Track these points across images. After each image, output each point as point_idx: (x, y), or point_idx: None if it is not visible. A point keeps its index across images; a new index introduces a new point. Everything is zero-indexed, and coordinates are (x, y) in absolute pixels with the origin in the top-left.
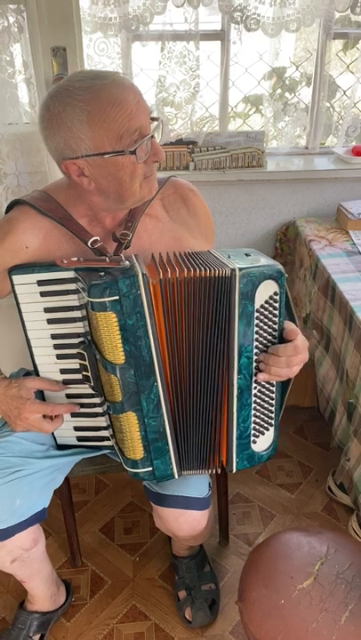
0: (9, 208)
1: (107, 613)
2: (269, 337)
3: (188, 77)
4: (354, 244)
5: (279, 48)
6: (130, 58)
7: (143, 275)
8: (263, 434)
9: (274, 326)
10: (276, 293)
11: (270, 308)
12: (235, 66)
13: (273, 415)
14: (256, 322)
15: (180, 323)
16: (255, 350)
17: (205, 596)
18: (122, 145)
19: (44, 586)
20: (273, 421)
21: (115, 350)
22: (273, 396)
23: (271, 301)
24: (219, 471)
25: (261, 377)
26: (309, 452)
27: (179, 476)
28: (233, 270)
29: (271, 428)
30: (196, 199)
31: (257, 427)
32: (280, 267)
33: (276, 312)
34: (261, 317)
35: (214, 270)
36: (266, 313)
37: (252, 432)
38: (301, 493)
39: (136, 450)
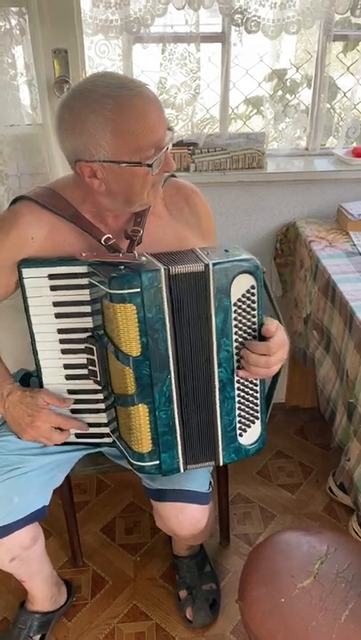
0: (12, 204)
1: (108, 613)
2: (249, 330)
3: (188, 79)
4: (354, 244)
5: (280, 50)
6: (131, 60)
7: (165, 269)
8: (250, 427)
9: (253, 319)
10: (253, 287)
11: (248, 302)
12: (235, 67)
13: (258, 408)
14: (234, 315)
15: (182, 317)
16: (235, 344)
17: (206, 595)
18: (139, 157)
19: (43, 586)
20: (259, 415)
21: (131, 342)
22: (257, 389)
23: (249, 295)
24: (212, 464)
25: (241, 374)
26: (310, 452)
27: (184, 469)
28: (207, 265)
29: (258, 422)
30: (199, 200)
31: (243, 420)
32: (256, 261)
33: (255, 305)
34: (239, 311)
35: (189, 267)
36: (244, 307)
37: (238, 425)
38: (302, 494)
39: (144, 443)
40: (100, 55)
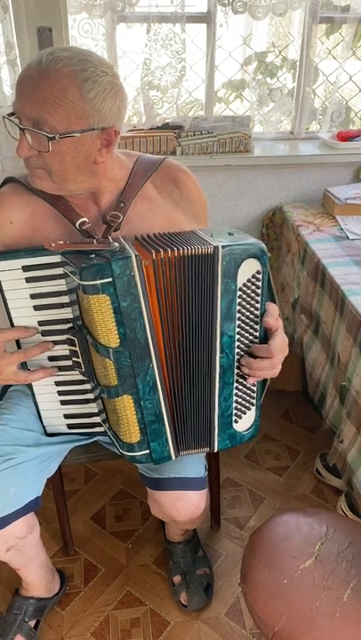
0: (1, 185)
1: (102, 600)
2: (252, 316)
3: (173, 60)
4: (342, 229)
5: (262, 32)
6: (114, 40)
7: (136, 256)
8: (245, 413)
9: (256, 305)
10: (258, 272)
11: (253, 287)
12: (218, 50)
13: (255, 395)
14: (238, 300)
15: (172, 303)
16: (237, 329)
17: (200, 580)
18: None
19: (39, 573)
20: (255, 401)
21: (109, 334)
22: None
23: (254, 280)
24: (207, 450)
25: (251, 381)
26: (296, 435)
27: (176, 457)
28: (216, 248)
29: (253, 408)
30: (189, 181)
31: (239, 406)
32: (263, 245)
33: (259, 291)
34: (244, 296)
35: (197, 249)
36: (248, 292)
37: (234, 411)
38: (290, 476)
39: (132, 433)
40: (83, 35)
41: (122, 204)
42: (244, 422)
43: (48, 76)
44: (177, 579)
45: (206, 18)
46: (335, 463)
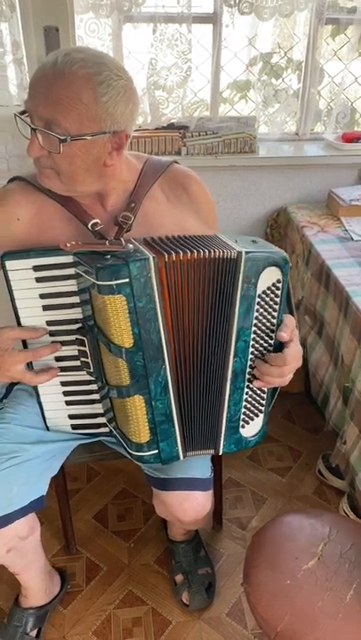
0: (8, 183)
1: (103, 599)
2: (268, 324)
3: (179, 61)
4: (346, 230)
5: (267, 33)
6: (121, 40)
7: (154, 257)
8: (253, 419)
9: (274, 314)
10: (278, 281)
11: (272, 295)
12: (223, 50)
13: (264, 402)
14: (256, 307)
15: (184, 304)
16: (253, 336)
17: (202, 579)
18: None
19: (38, 578)
20: (263, 408)
21: (123, 334)
22: None
23: (273, 288)
24: (212, 452)
25: (257, 384)
26: (298, 436)
27: (184, 457)
28: (239, 253)
29: (261, 415)
30: (197, 187)
31: (247, 412)
32: (285, 254)
33: (278, 300)
34: (262, 303)
35: (220, 252)
36: (267, 299)
37: (242, 417)
38: (292, 477)
39: (142, 433)
40: (89, 34)
41: (132, 205)
42: (250, 428)
43: (63, 77)
44: (179, 578)
45: (212, 18)
46: (338, 464)
